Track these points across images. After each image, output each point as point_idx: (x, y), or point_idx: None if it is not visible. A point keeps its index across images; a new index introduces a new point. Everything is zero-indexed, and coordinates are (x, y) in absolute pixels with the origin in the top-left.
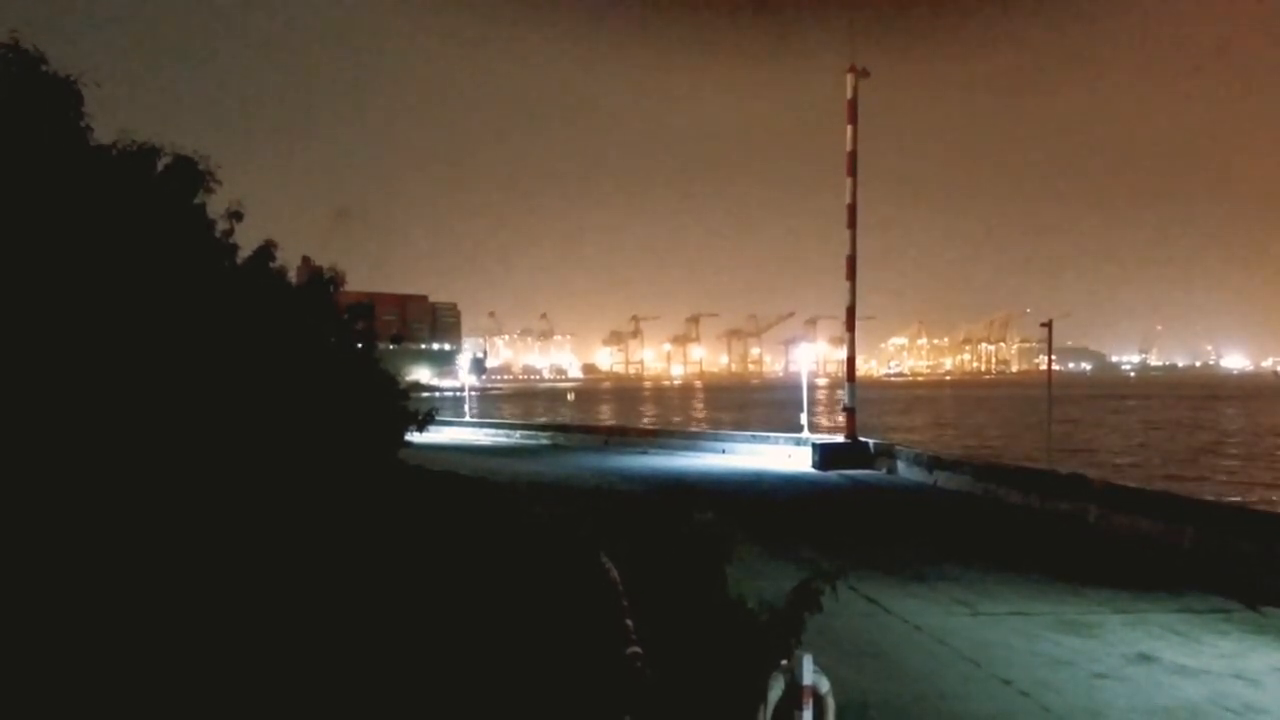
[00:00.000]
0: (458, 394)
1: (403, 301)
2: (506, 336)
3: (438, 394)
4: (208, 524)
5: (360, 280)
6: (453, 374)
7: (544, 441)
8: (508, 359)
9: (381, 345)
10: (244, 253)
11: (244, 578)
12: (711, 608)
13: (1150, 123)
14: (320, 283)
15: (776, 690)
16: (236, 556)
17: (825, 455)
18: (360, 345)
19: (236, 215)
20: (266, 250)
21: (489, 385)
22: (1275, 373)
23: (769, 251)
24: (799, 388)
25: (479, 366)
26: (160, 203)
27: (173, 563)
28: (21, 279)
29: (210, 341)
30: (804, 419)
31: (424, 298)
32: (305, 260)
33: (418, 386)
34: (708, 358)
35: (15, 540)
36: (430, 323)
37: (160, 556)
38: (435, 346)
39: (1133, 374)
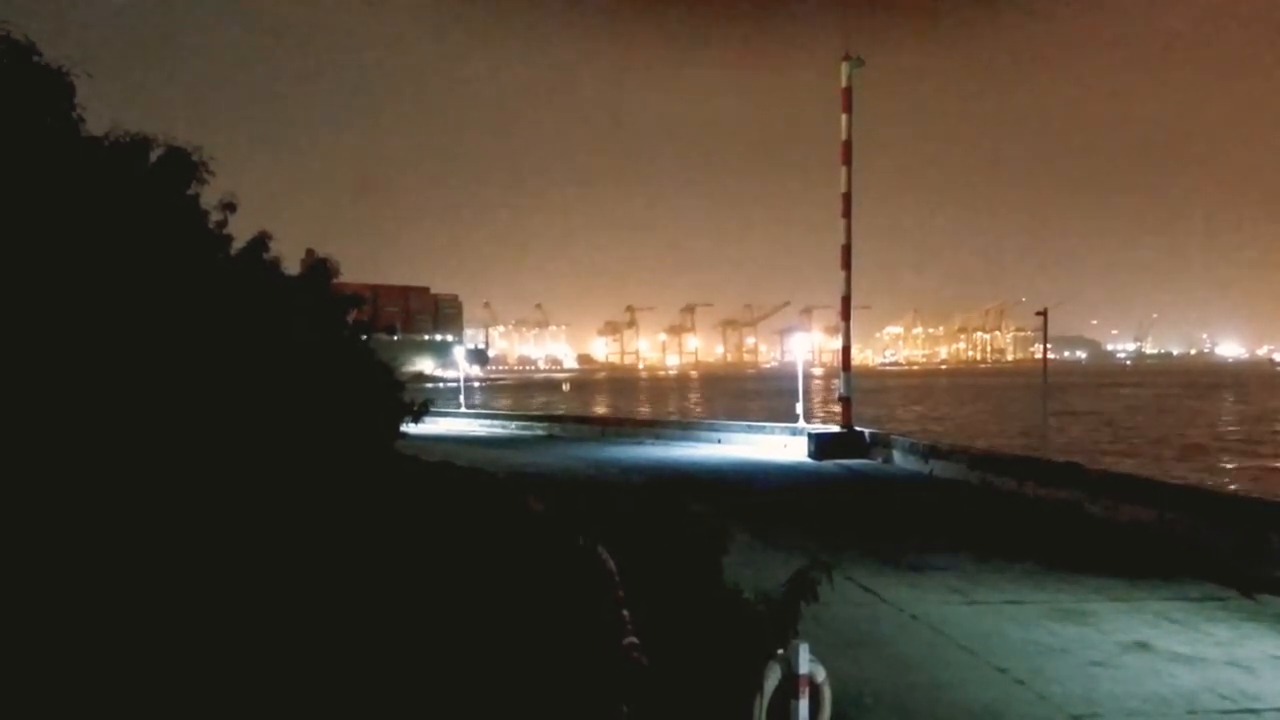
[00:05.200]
0: (464, 384)
1: (406, 293)
2: (502, 327)
3: (440, 385)
4: (199, 508)
5: (364, 272)
6: (455, 365)
7: (539, 432)
8: (503, 349)
9: (385, 337)
10: (239, 244)
11: (239, 561)
12: (708, 598)
13: (1145, 110)
14: (316, 273)
15: (773, 680)
16: (231, 541)
17: (821, 445)
18: (358, 335)
19: (230, 206)
20: (260, 241)
21: (491, 376)
22: (1272, 360)
23: (764, 241)
24: (794, 377)
25: (482, 358)
26: (153, 194)
27: (166, 550)
28: (11, 271)
29: (203, 333)
30: (799, 408)
31: (426, 289)
32: (309, 253)
33: (421, 377)
34: (703, 348)
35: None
36: (433, 314)
37: (152, 545)
38: (438, 338)
39: (1128, 362)
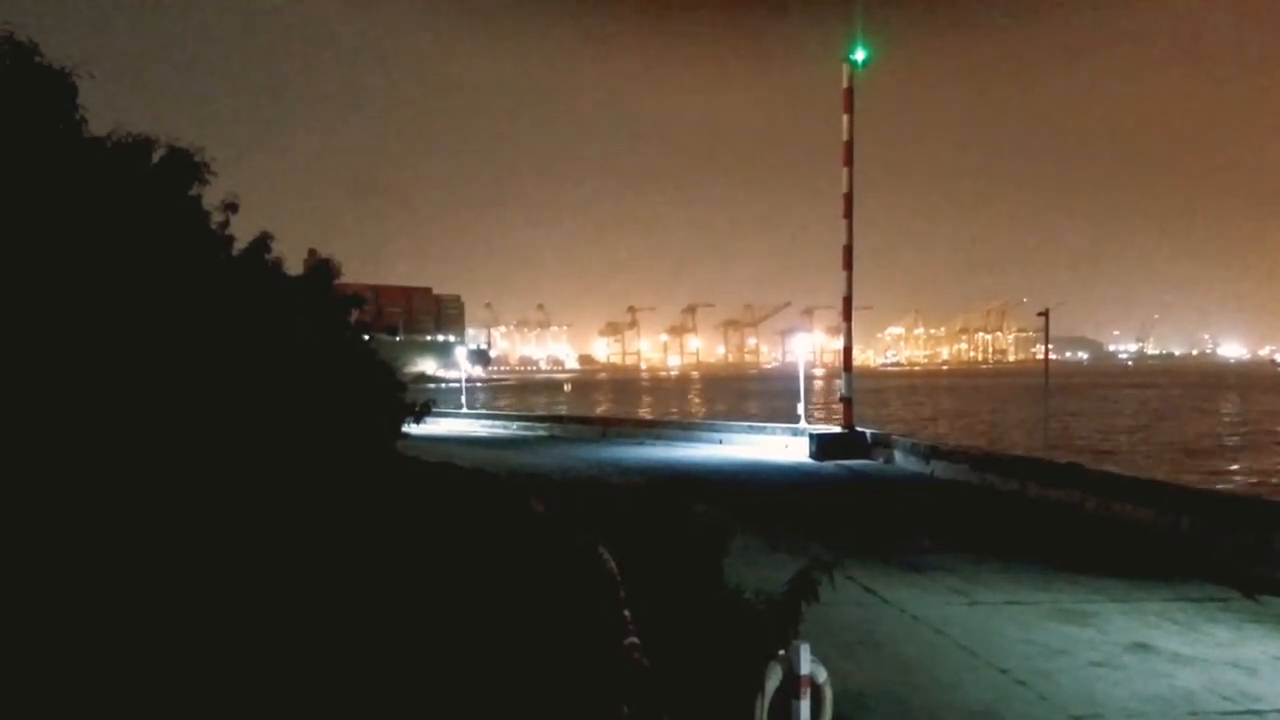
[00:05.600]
0: (465, 385)
1: (408, 294)
2: (504, 327)
3: (442, 385)
4: (202, 508)
5: (366, 273)
6: (456, 365)
7: (541, 433)
8: (505, 350)
9: (387, 337)
10: (241, 245)
11: (241, 561)
12: (709, 598)
13: (1148, 111)
14: (318, 274)
15: (774, 680)
16: (232, 541)
17: (822, 445)
18: (360, 336)
19: (232, 207)
20: (262, 242)
21: (493, 377)
22: (1274, 361)
23: (765, 242)
24: (796, 378)
25: (483, 358)
26: (155, 195)
27: (168, 549)
28: (14, 270)
29: (205, 333)
30: (801, 409)
31: (428, 289)
32: (311, 253)
33: (423, 378)
34: (704, 348)
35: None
36: (435, 314)
37: (155, 544)
38: (440, 338)
39: (1130, 363)
